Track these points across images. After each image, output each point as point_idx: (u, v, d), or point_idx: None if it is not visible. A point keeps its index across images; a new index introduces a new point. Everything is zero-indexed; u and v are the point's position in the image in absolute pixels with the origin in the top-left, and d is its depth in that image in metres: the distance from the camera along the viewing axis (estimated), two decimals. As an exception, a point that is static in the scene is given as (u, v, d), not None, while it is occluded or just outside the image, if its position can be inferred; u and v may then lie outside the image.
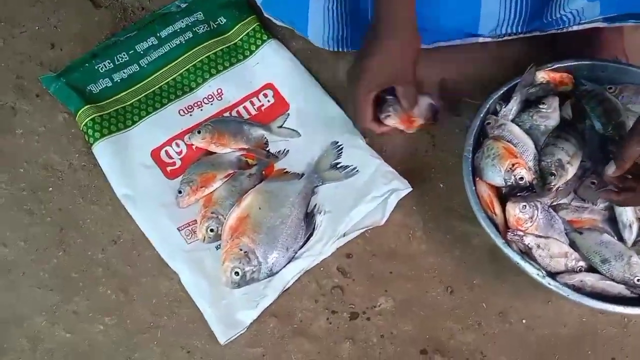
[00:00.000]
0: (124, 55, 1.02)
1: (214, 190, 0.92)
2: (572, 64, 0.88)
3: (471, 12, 0.90)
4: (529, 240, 0.79)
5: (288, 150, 0.96)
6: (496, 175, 0.82)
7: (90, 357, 0.86)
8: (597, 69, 0.88)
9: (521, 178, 0.81)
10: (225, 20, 1.05)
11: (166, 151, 0.96)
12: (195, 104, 0.99)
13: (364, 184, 0.90)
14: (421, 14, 0.88)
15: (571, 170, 0.81)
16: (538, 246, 0.79)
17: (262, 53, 1.03)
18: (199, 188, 0.91)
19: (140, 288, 0.89)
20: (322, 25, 0.94)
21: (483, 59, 1.00)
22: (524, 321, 0.86)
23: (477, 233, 0.90)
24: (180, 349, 0.85)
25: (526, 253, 0.80)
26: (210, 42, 1.03)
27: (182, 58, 1.02)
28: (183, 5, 1.06)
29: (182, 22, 1.04)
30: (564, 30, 0.86)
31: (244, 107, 1.00)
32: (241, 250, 0.86)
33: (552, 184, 0.80)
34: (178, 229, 0.91)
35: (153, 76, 1.01)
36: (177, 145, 0.97)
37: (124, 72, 1.01)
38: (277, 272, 0.86)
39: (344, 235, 0.89)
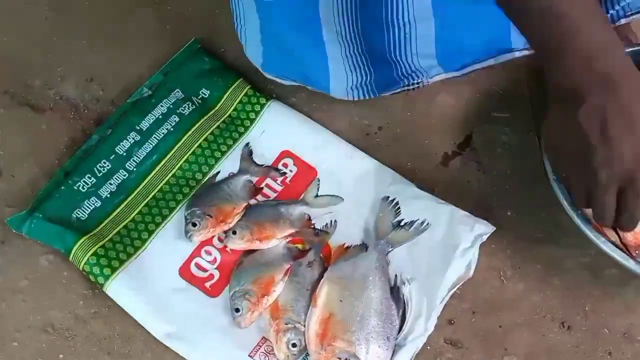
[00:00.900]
0: (104, 163, 0.83)
1: (277, 296, 0.76)
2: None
3: (498, 22, 0.81)
4: None
5: (336, 221, 0.82)
6: None
7: None
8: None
9: None
10: (208, 91, 0.89)
11: (197, 264, 0.79)
12: (210, 197, 0.82)
13: (444, 238, 0.79)
14: (441, 37, 0.79)
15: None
16: None
17: (265, 119, 0.88)
18: (260, 299, 0.74)
19: None
20: (344, 74, 0.80)
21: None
22: (650, 334, 0.79)
23: (567, 255, 0.82)
24: None
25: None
26: (202, 121, 0.87)
27: (176, 148, 0.85)
28: (154, 87, 0.88)
29: (162, 106, 0.87)
30: (615, 24, 0.80)
31: (267, 186, 0.85)
32: (340, 358, 0.71)
33: None
34: (249, 355, 0.74)
35: (148, 178, 0.83)
36: (208, 253, 0.79)
37: (110, 184, 0.82)
38: (386, 370, 0.73)
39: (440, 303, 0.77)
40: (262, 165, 0.85)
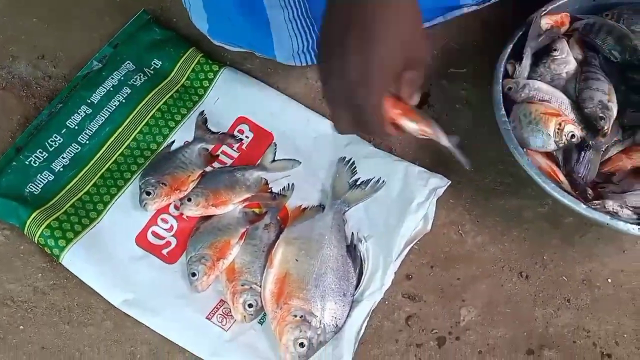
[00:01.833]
0: (55, 137, 0.82)
1: (233, 258, 0.76)
2: (563, 0, 0.82)
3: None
4: (610, 205, 0.72)
5: (293, 184, 0.82)
6: (546, 140, 0.74)
7: None
8: (586, -1, 0.83)
9: (572, 135, 0.74)
10: (160, 62, 0.88)
11: (153, 232, 0.78)
12: (166, 167, 0.82)
13: (400, 193, 0.79)
14: None
15: (614, 107, 0.75)
16: (621, 206, 0.72)
17: (218, 86, 0.88)
18: (216, 262, 0.74)
19: (188, 405, 0.72)
20: (288, 39, 0.79)
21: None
22: (609, 280, 0.79)
23: (526, 205, 0.82)
24: None
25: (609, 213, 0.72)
26: (154, 92, 0.86)
27: (129, 120, 0.84)
28: (105, 60, 0.88)
29: (113, 78, 0.86)
30: None
31: (223, 153, 0.84)
32: (296, 316, 0.71)
33: (605, 127, 0.74)
34: (207, 317, 0.74)
35: (101, 151, 0.82)
36: (165, 221, 0.79)
37: (63, 158, 0.81)
38: (343, 326, 0.73)
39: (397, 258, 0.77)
40: (218, 132, 0.85)
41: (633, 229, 0.69)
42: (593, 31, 0.80)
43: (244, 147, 0.85)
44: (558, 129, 0.74)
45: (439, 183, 0.79)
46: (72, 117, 0.83)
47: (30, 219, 0.76)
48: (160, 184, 0.78)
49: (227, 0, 0.77)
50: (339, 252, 0.75)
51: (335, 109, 0.60)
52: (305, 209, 0.80)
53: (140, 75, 0.87)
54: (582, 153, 0.75)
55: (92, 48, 0.91)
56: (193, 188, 0.79)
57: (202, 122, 0.85)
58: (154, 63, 0.88)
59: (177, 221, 0.79)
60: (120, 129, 0.83)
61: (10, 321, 0.75)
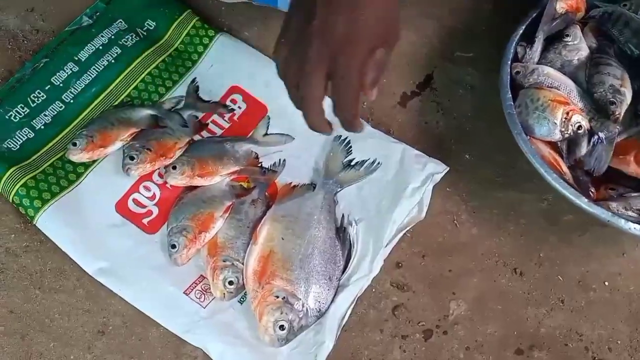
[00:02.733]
0: (38, 93, 0.78)
1: (216, 233, 0.72)
2: (580, -16, 0.78)
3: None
4: (614, 207, 0.69)
5: (285, 160, 0.78)
6: (552, 128, 0.71)
7: None
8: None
9: (579, 126, 0.71)
10: (154, 23, 0.84)
11: (134, 200, 0.75)
12: (153, 133, 0.78)
13: (395, 176, 0.75)
14: None
15: (628, 93, 0.71)
16: (625, 208, 0.69)
17: (213, 52, 0.84)
18: (197, 235, 0.71)
19: (157, 382, 0.68)
20: None
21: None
22: (606, 283, 0.76)
23: (525, 199, 0.79)
24: None
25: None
26: (146, 54, 0.82)
27: (117, 82, 0.80)
28: (95, 16, 0.83)
29: (102, 36, 0.82)
30: None
31: (214, 122, 0.81)
32: (277, 297, 0.68)
33: (617, 112, 0.70)
34: (185, 292, 0.70)
35: (86, 112, 0.78)
36: (147, 189, 0.75)
37: (45, 115, 0.77)
38: (326, 311, 0.69)
39: (387, 244, 0.73)
40: (209, 101, 0.81)
41: (634, 228, 0.66)
42: (610, 20, 0.76)
43: (235, 117, 0.81)
44: (565, 118, 0.70)
45: (437, 168, 0.76)
46: (58, 73, 0.79)
47: (6, 175, 0.72)
48: (145, 149, 0.74)
49: None
50: (327, 233, 0.72)
51: (310, 74, 0.55)
52: (295, 186, 0.76)
53: (132, 36, 0.82)
54: (594, 144, 0.71)
55: (85, 4, 0.86)
56: (179, 156, 0.75)
57: (194, 89, 0.81)
58: (147, 24, 0.84)
59: (160, 190, 0.75)
60: (107, 91, 0.79)
61: (-22, 282, 0.72)
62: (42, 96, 0.78)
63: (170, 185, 0.75)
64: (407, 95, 0.85)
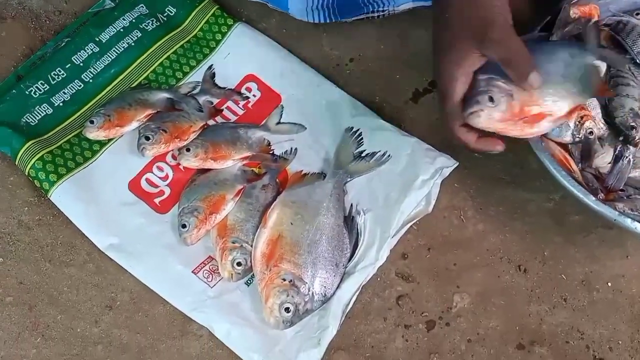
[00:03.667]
0: (59, 71, 0.80)
1: (226, 215, 0.73)
2: (593, -10, 0.79)
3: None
4: (620, 207, 0.69)
5: (296, 149, 0.79)
6: (564, 130, 0.71)
7: None
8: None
9: (590, 132, 0.72)
10: (175, 9, 0.86)
11: (147, 179, 0.76)
12: (168, 116, 0.79)
13: (405, 169, 0.76)
14: None
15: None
16: (632, 209, 0.70)
17: (231, 41, 0.85)
18: (208, 216, 0.72)
19: (162, 357, 0.69)
20: None
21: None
22: (609, 284, 0.76)
23: (531, 199, 0.80)
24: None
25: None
26: (165, 39, 0.83)
27: (135, 64, 0.81)
28: (117, 0, 0.85)
29: (124, 19, 0.83)
30: None
31: (228, 109, 0.82)
32: (284, 280, 0.69)
33: (637, 137, 0.71)
34: (193, 272, 0.71)
35: (104, 92, 0.80)
36: (160, 169, 0.77)
37: (64, 93, 0.79)
38: (332, 296, 0.70)
39: (394, 235, 0.74)
40: (225, 88, 0.82)
41: (640, 228, 0.67)
42: (625, 30, 0.77)
43: (250, 105, 0.82)
44: (579, 122, 0.71)
45: (446, 163, 0.77)
46: (78, 53, 0.81)
47: (24, 148, 0.73)
48: (161, 130, 0.75)
49: None
50: (335, 221, 0.73)
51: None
52: (306, 174, 0.77)
53: (152, 20, 0.84)
54: (616, 164, 0.72)
55: (108, -13, 0.88)
56: (194, 139, 0.77)
57: (210, 76, 0.82)
58: (168, 10, 0.86)
59: (173, 171, 0.77)
60: (125, 73, 0.81)
61: (-10, 253, 0.73)
62: (63, 74, 0.79)
63: (183, 167, 0.76)
64: (420, 92, 0.86)
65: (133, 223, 0.73)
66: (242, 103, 0.82)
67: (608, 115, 0.74)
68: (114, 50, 0.81)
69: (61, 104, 0.78)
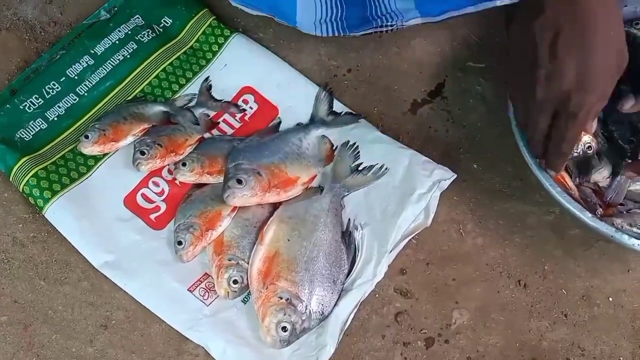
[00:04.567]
0: (53, 85, 0.79)
1: (223, 231, 0.72)
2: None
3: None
4: (618, 223, 0.69)
5: (294, 162, 0.79)
6: None
7: None
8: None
9: (589, 147, 0.71)
10: (171, 20, 0.85)
11: (143, 195, 0.75)
12: (164, 129, 0.78)
13: (402, 182, 0.75)
14: None
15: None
16: (630, 225, 0.69)
17: (228, 52, 0.84)
18: (204, 233, 0.71)
19: (158, 377, 0.69)
20: (313, 6, 0.76)
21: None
22: (610, 299, 0.76)
23: (531, 211, 0.79)
24: None
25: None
26: (161, 51, 0.82)
27: (131, 77, 0.81)
28: (114, 11, 0.84)
29: (119, 31, 0.82)
30: None
31: (225, 121, 0.81)
32: (281, 298, 0.68)
33: (637, 152, 0.71)
34: (189, 289, 0.71)
35: (99, 105, 0.79)
36: (156, 184, 0.76)
37: (59, 107, 0.78)
38: (329, 314, 0.70)
39: (392, 250, 0.73)
40: (221, 100, 0.81)
41: (638, 244, 0.66)
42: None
43: (246, 118, 0.81)
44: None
45: (444, 175, 0.76)
46: (73, 66, 0.80)
47: (18, 165, 0.73)
48: (156, 145, 0.75)
49: None
50: (333, 237, 0.72)
51: (537, 113, 0.61)
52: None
53: (148, 32, 0.83)
54: (615, 179, 0.72)
55: (103, -2, 0.87)
56: (189, 153, 0.76)
57: (207, 88, 0.82)
58: (164, 21, 0.85)
59: (169, 186, 0.76)
60: (121, 85, 0.80)
61: (-16, 270, 0.72)
62: (57, 88, 0.78)
63: (179, 182, 0.76)
64: (418, 103, 0.85)
65: (128, 239, 0.72)
66: (238, 116, 0.81)
67: (606, 129, 0.73)
68: (109, 63, 0.80)
69: (56, 119, 0.77)
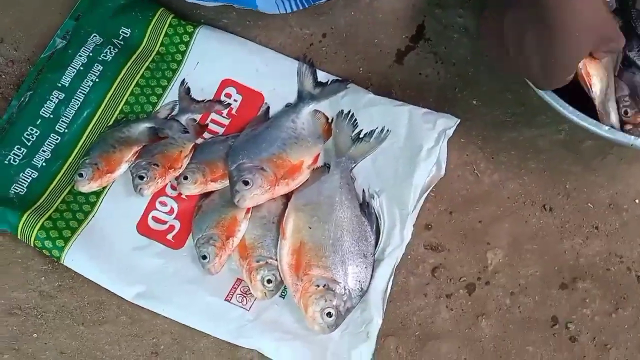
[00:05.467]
0: (31, 130, 0.76)
1: (243, 235, 0.71)
2: None
3: None
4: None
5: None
6: None
7: None
8: None
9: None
10: (129, 30, 0.81)
11: (154, 218, 0.74)
12: (155, 146, 0.76)
13: (406, 141, 0.74)
14: None
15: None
16: None
17: (196, 49, 0.80)
18: (225, 242, 0.70)
19: (219, 390, 0.70)
20: None
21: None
22: (636, 201, 0.75)
23: (540, 134, 0.78)
24: None
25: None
26: (128, 66, 0.79)
27: (106, 100, 0.77)
28: (68, 35, 0.80)
29: (80, 56, 0.79)
30: None
31: (213, 121, 0.79)
32: (318, 286, 0.68)
33: None
34: (226, 299, 0.71)
35: (83, 138, 0.76)
36: (163, 204, 0.75)
37: (44, 151, 0.75)
38: (368, 288, 0.70)
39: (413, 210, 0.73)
40: (203, 100, 0.79)
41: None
42: None
43: (233, 112, 0.79)
44: None
45: (448, 123, 0.74)
46: (45, 105, 0.76)
47: (22, 222, 0.71)
48: (152, 166, 0.73)
49: None
50: (352, 212, 0.71)
51: None
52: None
53: (110, 49, 0.79)
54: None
55: (53, 23, 0.83)
56: (188, 164, 0.74)
57: (185, 91, 0.79)
58: (122, 32, 0.80)
59: (176, 202, 0.74)
60: (99, 112, 0.77)
61: (22, 330, 0.72)
62: (36, 132, 0.75)
63: (186, 196, 0.74)
64: (402, 52, 0.82)
65: (152, 266, 0.72)
66: (225, 112, 0.79)
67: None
68: (80, 92, 0.77)
69: (44, 164, 0.75)
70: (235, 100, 0.79)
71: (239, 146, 0.74)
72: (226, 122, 0.78)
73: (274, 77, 0.80)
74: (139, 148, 0.74)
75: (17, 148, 0.75)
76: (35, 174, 0.74)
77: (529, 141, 0.77)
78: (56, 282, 0.74)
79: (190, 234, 0.73)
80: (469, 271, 0.73)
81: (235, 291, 0.71)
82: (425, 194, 0.74)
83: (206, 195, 0.74)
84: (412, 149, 0.73)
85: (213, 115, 0.78)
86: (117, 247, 0.72)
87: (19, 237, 0.72)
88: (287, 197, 0.73)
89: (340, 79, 0.79)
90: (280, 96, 0.79)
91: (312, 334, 0.68)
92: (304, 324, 0.68)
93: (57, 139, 0.76)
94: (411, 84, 0.80)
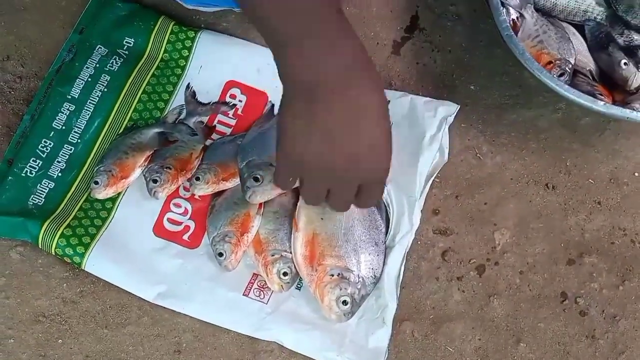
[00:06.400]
0: (45, 142, 0.78)
1: (257, 230, 0.74)
2: None
3: None
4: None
5: (299, 141, 0.79)
6: None
7: None
8: None
9: None
10: (132, 39, 0.83)
11: (169, 219, 0.76)
12: (165, 151, 0.78)
13: (410, 130, 0.76)
14: None
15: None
16: None
17: (199, 53, 0.83)
18: (240, 238, 0.72)
19: (244, 382, 0.72)
20: None
21: None
22: (636, 174, 0.78)
23: (539, 115, 0.80)
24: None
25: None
26: (134, 74, 0.81)
27: (116, 109, 0.80)
28: (74, 48, 0.82)
29: (87, 67, 0.81)
30: None
31: (220, 123, 0.81)
32: (332, 275, 0.70)
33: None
34: (244, 294, 0.73)
35: (95, 147, 0.79)
36: (178, 205, 0.77)
37: (59, 162, 0.77)
38: (381, 275, 0.72)
39: (420, 196, 0.75)
40: (209, 103, 0.81)
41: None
42: None
43: (239, 112, 0.81)
44: None
45: (449, 110, 0.76)
46: (57, 117, 0.79)
47: (42, 231, 0.73)
48: (165, 169, 0.75)
49: None
50: (361, 202, 0.73)
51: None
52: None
53: (115, 59, 0.81)
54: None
55: (58, 38, 0.85)
56: (199, 166, 0.76)
57: (191, 95, 0.81)
58: (126, 42, 0.83)
59: (190, 203, 0.76)
60: (109, 120, 0.79)
61: (47, 337, 0.74)
62: (50, 144, 0.78)
63: (199, 196, 0.76)
64: (398, 42, 0.84)
65: (171, 266, 0.74)
66: (231, 112, 0.81)
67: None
68: (89, 103, 0.79)
69: (60, 174, 0.77)
70: (240, 101, 0.81)
71: (247, 144, 0.76)
72: (233, 122, 0.80)
73: (276, 75, 0.81)
74: (151, 153, 0.76)
75: (33, 160, 0.77)
76: (52, 185, 0.76)
77: (528, 122, 0.79)
78: (78, 288, 0.76)
79: (206, 233, 0.75)
80: (478, 253, 0.75)
81: (252, 286, 0.73)
82: (431, 180, 0.76)
83: (218, 194, 0.76)
84: (415, 137, 0.75)
85: (220, 117, 0.80)
86: (136, 250, 0.74)
87: (39, 246, 0.74)
88: (298, 190, 0.75)
89: (340, 73, 0.80)
90: (283, 94, 0.81)
91: (329, 323, 0.70)
92: (321, 314, 0.70)
93: (71, 149, 0.78)
94: (410, 74, 0.82)
